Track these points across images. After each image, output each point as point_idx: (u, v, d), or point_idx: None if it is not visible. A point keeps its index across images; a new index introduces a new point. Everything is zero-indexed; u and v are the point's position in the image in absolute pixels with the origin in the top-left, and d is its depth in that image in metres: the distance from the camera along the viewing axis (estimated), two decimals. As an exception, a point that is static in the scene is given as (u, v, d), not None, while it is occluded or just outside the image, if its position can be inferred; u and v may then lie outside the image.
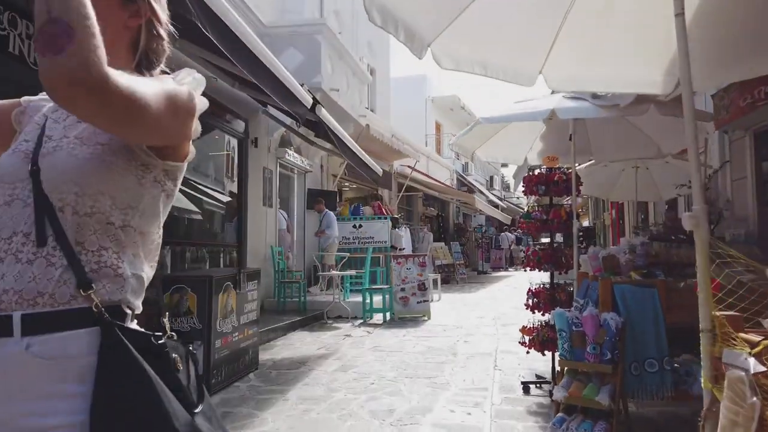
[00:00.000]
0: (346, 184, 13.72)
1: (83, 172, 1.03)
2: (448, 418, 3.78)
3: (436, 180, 18.38)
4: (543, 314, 4.46)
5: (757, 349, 1.36)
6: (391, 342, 6.68)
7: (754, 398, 1.29)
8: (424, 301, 8.85)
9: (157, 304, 4.38)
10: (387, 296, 8.69)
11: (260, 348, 5.89)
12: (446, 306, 10.50)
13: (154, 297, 4.72)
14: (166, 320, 1.26)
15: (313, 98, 4.94)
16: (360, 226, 11.51)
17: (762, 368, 1.31)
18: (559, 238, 4.71)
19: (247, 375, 4.97)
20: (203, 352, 4.35)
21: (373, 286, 9.26)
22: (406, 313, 8.71)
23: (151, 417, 0.95)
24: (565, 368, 3.47)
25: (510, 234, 26.14)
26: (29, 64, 4.00)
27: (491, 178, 29.13)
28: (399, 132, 14.21)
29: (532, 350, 4.45)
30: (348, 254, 10.18)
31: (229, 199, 8.42)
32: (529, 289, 4.55)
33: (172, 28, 1.25)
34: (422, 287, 8.85)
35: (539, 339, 4.31)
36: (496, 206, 23.59)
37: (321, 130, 5.65)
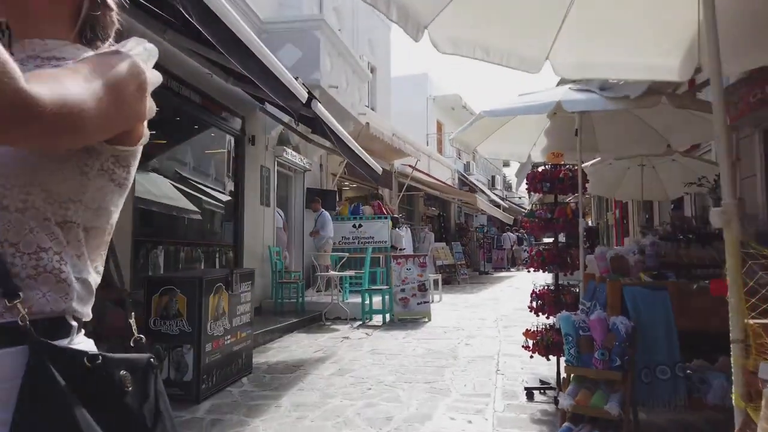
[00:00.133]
0: (346, 183, 13.54)
1: (6, 160, 0.86)
2: (448, 427, 3.60)
3: (438, 179, 18.20)
4: (547, 317, 4.27)
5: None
6: (390, 345, 6.50)
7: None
8: (425, 302, 8.66)
9: (140, 305, 4.21)
10: (387, 297, 8.51)
11: (255, 351, 5.72)
12: (447, 307, 10.32)
13: (135, 298, 4.56)
14: (132, 321, 1.11)
15: (309, 92, 4.76)
16: (360, 225, 11.33)
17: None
18: (561, 237, 4.53)
19: (240, 379, 4.80)
20: (193, 356, 4.18)
21: (373, 287, 9.08)
22: (406, 315, 8.53)
23: None
24: (572, 375, 3.28)
25: (512, 234, 25.96)
26: None
27: (493, 177, 28.94)
28: (400, 131, 14.02)
29: (535, 354, 4.27)
30: (347, 254, 10.01)
31: (226, 197, 8.24)
32: (533, 290, 4.37)
33: None
34: (422, 288, 8.66)
35: (543, 343, 4.12)
36: (498, 206, 23.40)
37: (317, 126, 5.47)
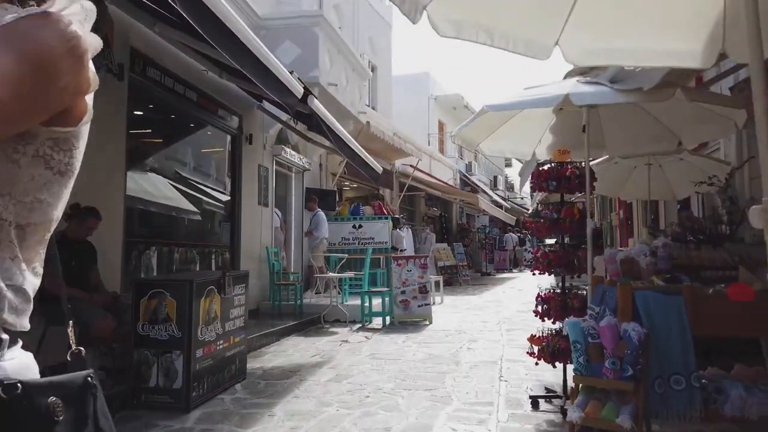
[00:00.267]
0: (347, 183, 13.37)
1: None
2: (449, 439, 3.42)
3: (439, 179, 18.02)
4: (553, 322, 4.08)
5: None
6: (389, 349, 6.31)
7: None
8: (426, 304, 8.48)
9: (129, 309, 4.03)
10: (387, 299, 8.33)
11: (250, 355, 5.55)
12: (449, 309, 10.13)
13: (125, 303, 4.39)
14: (70, 331, 0.97)
15: (305, 88, 4.58)
16: (360, 226, 11.15)
17: None
18: (565, 238, 4.34)
19: (233, 386, 4.62)
20: (183, 362, 4.00)
21: (373, 289, 8.90)
22: (406, 317, 8.34)
23: None
24: (581, 385, 3.09)
25: (514, 235, 25.79)
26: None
27: (495, 178, 28.75)
28: (401, 130, 13.85)
29: (541, 361, 4.07)
30: (347, 255, 9.82)
31: (222, 197, 8.07)
32: (539, 294, 4.17)
33: None
34: (423, 290, 8.47)
35: (549, 349, 3.93)
36: (500, 206, 23.20)
37: (314, 123, 5.29)
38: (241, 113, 8.13)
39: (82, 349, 0.94)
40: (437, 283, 11.40)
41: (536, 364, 4.13)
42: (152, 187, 6.46)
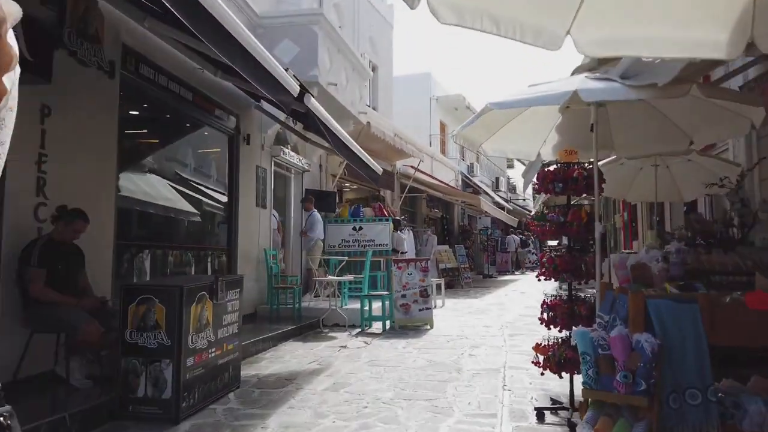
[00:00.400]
0: (347, 184, 13.19)
1: None
2: (450, 454, 3.25)
3: (441, 181, 17.84)
4: (560, 330, 3.90)
5: None
6: (389, 355, 6.14)
7: None
8: (427, 308, 8.29)
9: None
10: (387, 303, 8.15)
11: (245, 361, 5.38)
12: (450, 313, 9.95)
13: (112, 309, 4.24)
14: None
15: (301, 86, 4.41)
16: (360, 228, 10.96)
17: None
18: (565, 241, 4.17)
19: (226, 395, 4.45)
20: (173, 371, 3.83)
21: (373, 293, 8.72)
22: (407, 322, 8.16)
23: None
24: (590, 399, 2.91)
25: (516, 236, 25.60)
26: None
27: (497, 179, 28.55)
28: (402, 131, 13.67)
29: (547, 371, 3.89)
30: (347, 258, 9.65)
31: (219, 198, 7.90)
32: (544, 301, 3.99)
33: None
34: (424, 294, 8.29)
35: (555, 359, 3.75)
36: (502, 208, 23.02)
37: (311, 122, 5.12)
38: (238, 113, 7.97)
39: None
40: (438, 286, 11.23)
41: (542, 374, 3.95)
42: (146, 188, 6.30)
